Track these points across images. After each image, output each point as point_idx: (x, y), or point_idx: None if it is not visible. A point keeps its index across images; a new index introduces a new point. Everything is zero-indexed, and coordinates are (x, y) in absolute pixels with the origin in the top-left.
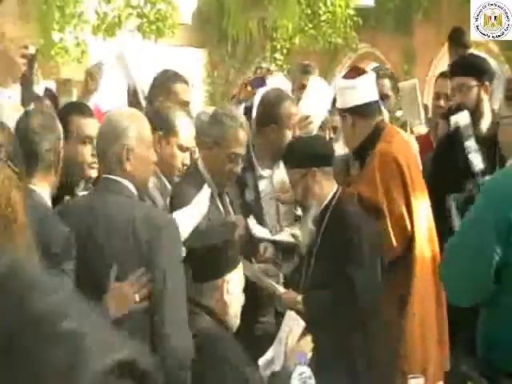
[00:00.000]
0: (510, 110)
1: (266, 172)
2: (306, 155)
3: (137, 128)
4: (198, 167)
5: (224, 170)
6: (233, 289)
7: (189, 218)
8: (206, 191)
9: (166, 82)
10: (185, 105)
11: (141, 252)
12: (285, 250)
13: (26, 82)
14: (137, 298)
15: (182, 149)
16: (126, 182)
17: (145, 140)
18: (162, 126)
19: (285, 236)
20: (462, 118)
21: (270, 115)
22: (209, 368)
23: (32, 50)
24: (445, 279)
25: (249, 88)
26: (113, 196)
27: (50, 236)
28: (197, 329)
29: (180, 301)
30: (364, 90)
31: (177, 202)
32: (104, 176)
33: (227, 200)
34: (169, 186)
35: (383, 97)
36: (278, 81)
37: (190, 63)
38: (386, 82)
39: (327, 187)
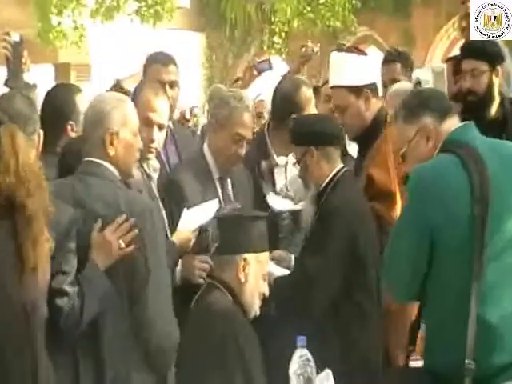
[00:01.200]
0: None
1: (281, 160)
2: (305, 133)
3: (122, 112)
4: (203, 150)
5: (228, 152)
6: (250, 271)
7: (194, 217)
8: (214, 203)
9: (145, 64)
10: (163, 86)
11: None
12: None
13: (15, 69)
14: (122, 244)
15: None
16: (109, 166)
17: (130, 125)
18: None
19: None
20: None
21: (288, 106)
22: (214, 345)
23: (16, 38)
24: (386, 281)
25: (254, 72)
26: (96, 179)
27: (56, 216)
28: (215, 308)
29: (163, 287)
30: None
31: (175, 186)
32: (86, 159)
33: (229, 185)
34: (153, 176)
35: (394, 81)
36: (276, 64)
37: (189, 47)
38: (398, 66)
39: (327, 168)
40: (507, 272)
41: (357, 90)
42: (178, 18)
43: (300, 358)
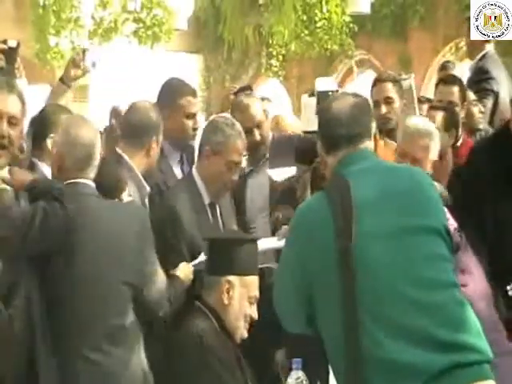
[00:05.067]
0: None
1: None
2: (306, 153)
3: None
4: (192, 175)
5: (221, 178)
6: (234, 294)
7: None
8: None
9: (171, 95)
10: (193, 117)
11: (135, 244)
12: None
13: (7, 75)
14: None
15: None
16: (90, 183)
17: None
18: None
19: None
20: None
21: None
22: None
23: (13, 44)
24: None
25: (231, 97)
26: (90, 198)
27: None
28: (195, 331)
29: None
30: None
31: (171, 213)
32: (70, 181)
33: (218, 211)
34: (147, 187)
35: (386, 100)
36: (274, 87)
37: (186, 68)
38: (389, 86)
39: None
40: (381, 301)
41: None
42: (176, 39)
43: (296, 381)
